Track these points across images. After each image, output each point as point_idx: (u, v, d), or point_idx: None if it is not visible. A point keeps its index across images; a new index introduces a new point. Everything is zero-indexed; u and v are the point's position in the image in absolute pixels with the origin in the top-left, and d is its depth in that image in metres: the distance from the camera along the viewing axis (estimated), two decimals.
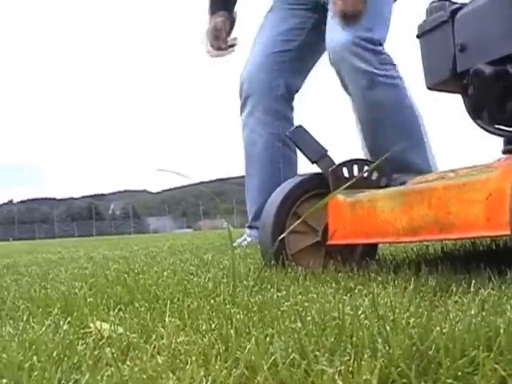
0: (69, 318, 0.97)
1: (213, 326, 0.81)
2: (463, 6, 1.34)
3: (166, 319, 0.90)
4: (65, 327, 0.90)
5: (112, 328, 0.85)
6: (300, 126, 1.54)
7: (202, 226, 62.54)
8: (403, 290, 0.98)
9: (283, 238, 1.45)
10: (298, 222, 1.44)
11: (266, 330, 0.75)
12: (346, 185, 1.37)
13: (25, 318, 1.02)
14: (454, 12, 1.34)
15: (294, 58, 2.73)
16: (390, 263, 1.32)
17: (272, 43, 2.74)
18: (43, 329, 0.90)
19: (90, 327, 0.91)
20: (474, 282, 0.96)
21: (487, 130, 1.36)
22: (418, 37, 1.45)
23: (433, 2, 1.44)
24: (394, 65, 2.32)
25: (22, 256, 4.09)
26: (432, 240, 1.52)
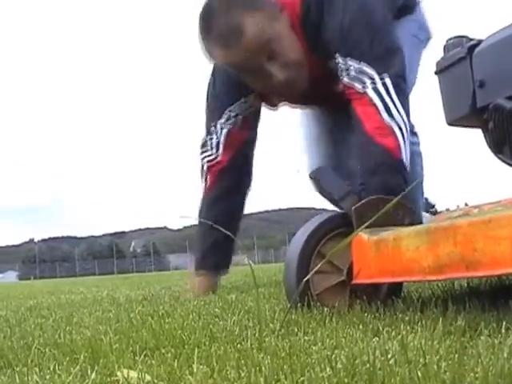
0: (96, 366, 0.97)
1: (242, 373, 0.81)
2: (480, 42, 1.34)
3: (194, 366, 0.89)
4: (92, 376, 0.89)
5: (139, 376, 0.85)
6: (323, 166, 1.54)
7: None
8: (432, 331, 0.97)
9: (308, 278, 1.45)
10: (322, 262, 1.43)
11: (296, 378, 0.74)
12: (367, 223, 1.36)
13: (51, 366, 1.01)
14: (472, 48, 1.35)
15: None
16: (417, 301, 1.31)
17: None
18: (70, 377, 0.89)
19: (117, 375, 0.90)
20: (503, 321, 0.95)
21: (509, 164, 1.36)
22: (436, 73, 1.45)
23: (450, 39, 1.44)
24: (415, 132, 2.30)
25: (45, 297, 4.09)
26: (458, 278, 1.51)
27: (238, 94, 2.51)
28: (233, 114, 2.56)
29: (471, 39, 1.37)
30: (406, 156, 1.74)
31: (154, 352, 1.07)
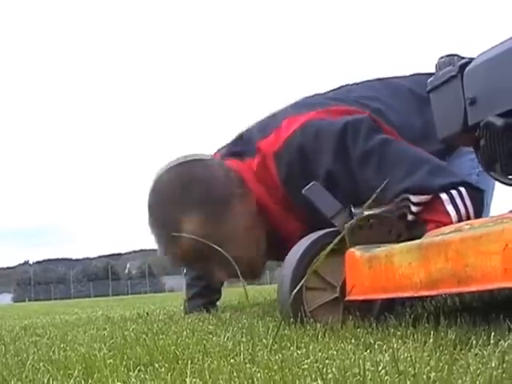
0: (90, 381, 0.98)
1: None
2: (471, 60, 1.36)
3: (187, 380, 0.90)
4: None
5: None
6: (315, 183, 1.55)
7: None
8: (423, 344, 0.98)
9: (301, 294, 1.46)
10: (309, 273, 1.45)
11: None
12: (337, 237, 1.38)
13: (45, 381, 1.02)
14: (463, 66, 1.36)
15: None
16: (409, 317, 1.31)
17: None
18: None
19: None
20: (493, 333, 0.96)
21: (500, 181, 1.37)
22: (428, 92, 1.46)
23: (442, 58, 1.46)
24: None
25: (40, 317, 4.08)
26: (450, 293, 1.51)
27: None
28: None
29: (462, 57, 1.39)
30: None
31: (147, 367, 1.07)
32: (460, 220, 1.65)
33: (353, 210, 1.54)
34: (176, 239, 1.95)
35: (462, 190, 1.69)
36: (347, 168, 1.82)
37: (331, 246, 1.40)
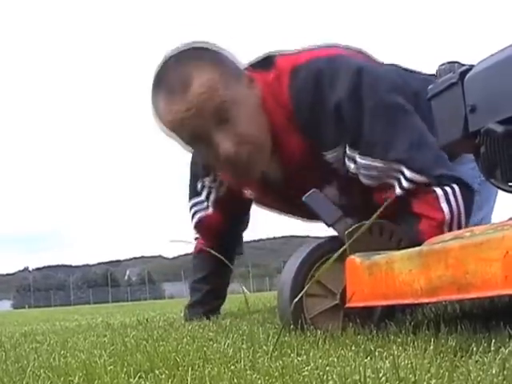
0: None
1: None
2: (472, 67, 1.36)
3: None
4: None
5: None
6: (315, 191, 1.55)
7: None
8: (423, 351, 0.98)
9: (302, 301, 1.46)
10: (311, 282, 1.45)
11: None
12: (352, 239, 1.38)
13: None
14: (463, 73, 1.36)
15: None
16: (409, 324, 1.32)
17: None
18: None
19: None
20: (494, 340, 0.96)
21: (501, 188, 1.37)
22: (429, 99, 1.46)
23: (442, 65, 1.46)
24: None
25: (39, 324, 4.08)
26: (451, 300, 1.52)
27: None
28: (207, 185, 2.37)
29: (463, 64, 1.39)
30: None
31: (148, 374, 1.07)
32: (452, 218, 1.69)
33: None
34: (186, 88, 1.79)
35: (456, 187, 1.71)
36: (357, 110, 1.80)
37: (334, 257, 1.39)
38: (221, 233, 2.48)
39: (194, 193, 2.47)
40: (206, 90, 1.79)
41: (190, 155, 2.42)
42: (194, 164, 2.44)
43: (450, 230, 1.69)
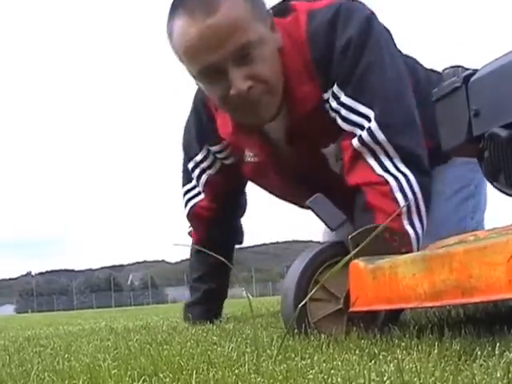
0: None
1: None
2: (476, 71, 1.36)
3: None
4: None
5: None
6: (319, 195, 1.55)
7: None
8: (428, 355, 0.98)
9: (305, 306, 1.46)
10: (317, 287, 1.45)
11: None
12: (359, 247, 1.38)
13: None
14: (467, 78, 1.36)
15: None
16: (413, 328, 1.31)
17: None
18: None
19: None
20: (498, 344, 0.96)
21: (505, 193, 1.37)
22: (433, 103, 1.46)
23: (446, 69, 1.46)
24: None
25: (43, 328, 4.09)
26: (454, 304, 1.52)
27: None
28: (212, 151, 2.25)
29: (467, 69, 1.39)
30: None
31: (152, 377, 1.07)
32: (409, 207, 1.68)
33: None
34: (213, 10, 1.67)
35: (410, 175, 1.69)
36: (359, 53, 1.78)
37: (342, 263, 1.39)
38: (215, 222, 2.40)
39: (186, 178, 2.41)
40: (233, 23, 1.68)
41: (182, 135, 2.38)
42: (186, 141, 2.36)
43: (410, 219, 1.69)
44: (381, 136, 1.69)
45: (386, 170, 1.69)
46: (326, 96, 1.83)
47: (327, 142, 1.92)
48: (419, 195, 1.69)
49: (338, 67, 1.78)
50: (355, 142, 1.73)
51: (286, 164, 2.04)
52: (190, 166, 2.34)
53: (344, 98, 1.77)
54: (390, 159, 1.70)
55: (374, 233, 1.42)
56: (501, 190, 1.37)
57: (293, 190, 2.19)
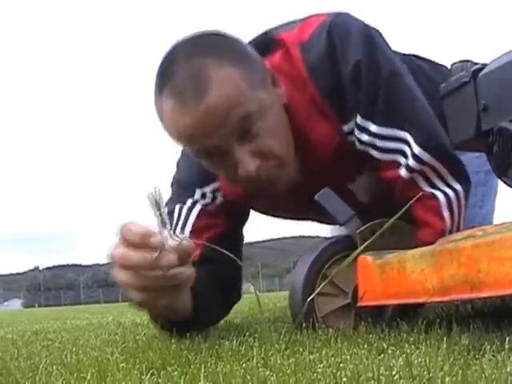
0: (103, 383, 0.98)
1: None
2: (484, 66, 1.36)
3: (201, 383, 0.90)
4: None
5: None
6: (327, 189, 1.54)
7: None
8: (436, 350, 0.98)
9: (313, 300, 1.46)
10: (325, 282, 1.45)
11: None
12: (367, 242, 1.38)
13: None
14: (476, 72, 1.36)
15: None
16: (421, 323, 1.31)
17: None
18: None
19: None
20: (507, 339, 0.96)
21: None
22: (441, 98, 1.46)
23: (454, 63, 1.46)
24: None
25: (50, 322, 4.10)
26: (463, 299, 1.51)
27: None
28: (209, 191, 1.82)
29: (475, 63, 1.39)
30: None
31: (160, 371, 1.07)
32: (452, 225, 1.61)
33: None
34: (204, 91, 1.43)
35: (460, 189, 1.61)
36: (374, 77, 1.60)
37: (351, 258, 1.38)
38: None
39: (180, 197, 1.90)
40: (228, 99, 1.45)
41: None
42: (184, 170, 1.92)
43: (447, 234, 1.61)
44: (426, 156, 1.58)
45: (435, 187, 1.61)
46: (346, 128, 1.64)
47: (352, 175, 1.79)
48: (463, 212, 1.63)
49: (355, 96, 1.60)
50: (404, 172, 1.60)
51: (305, 196, 1.76)
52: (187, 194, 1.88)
53: (375, 128, 1.59)
54: (441, 177, 1.61)
55: (383, 228, 1.41)
56: (510, 185, 1.37)
57: (307, 211, 2.01)
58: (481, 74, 1.34)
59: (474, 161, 1.89)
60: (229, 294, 1.86)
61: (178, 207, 1.82)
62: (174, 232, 1.64)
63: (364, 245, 1.39)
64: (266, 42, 1.68)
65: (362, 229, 1.50)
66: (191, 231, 1.78)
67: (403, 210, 1.38)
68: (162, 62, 1.52)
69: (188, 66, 1.45)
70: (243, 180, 1.56)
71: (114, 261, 1.41)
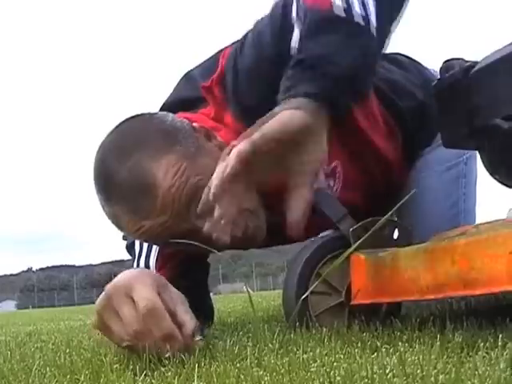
0: None
1: None
2: (476, 63, 1.36)
3: (194, 383, 0.90)
4: None
5: None
6: (320, 188, 1.54)
7: (222, 289, 62.18)
8: (430, 348, 0.98)
9: (306, 299, 1.46)
10: (319, 281, 1.44)
11: None
12: (360, 240, 1.38)
13: None
14: (468, 70, 1.36)
15: None
16: (415, 321, 1.31)
17: None
18: None
19: None
20: (500, 336, 0.96)
21: (505, 185, 1.37)
22: (433, 95, 1.46)
23: (446, 61, 1.46)
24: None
25: (44, 323, 4.09)
26: (456, 296, 1.52)
27: None
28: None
29: (467, 61, 1.39)
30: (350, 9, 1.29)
31: (154, 372, 1.07)
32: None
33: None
34: (153, 193, 1.35)
35: None
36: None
37: (344, 256, 1.37)
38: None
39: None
40: (177, 184, 1.36)
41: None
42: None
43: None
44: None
45: None
46: None
47: None
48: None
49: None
50: None
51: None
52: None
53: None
54: None
55: (376, 226, 1.41)
56: (501, 182, 1.38)
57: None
58: (473, 71, 1.34)
59: (452, 152, 1.83)
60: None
61: (138, 241, 1.76)
62: (138, 263, 1.71)
63: (357, 243, 1.38)
64: (195, 95, 1.62)
65: (354, 227, 1.50)
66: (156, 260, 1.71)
67: (395, 207, 1.37)
68: (96, 170, 1.44)
69: (125, 170, 1.36)
70: (223, 247, 1.45)
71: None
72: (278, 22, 1.45)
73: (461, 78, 1.36)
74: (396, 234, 1.51)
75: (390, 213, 1.39)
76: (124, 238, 1.85)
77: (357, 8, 1.30)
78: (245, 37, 1.56)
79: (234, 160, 1.23)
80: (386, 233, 1.50)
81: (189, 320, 1.23)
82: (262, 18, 1.54)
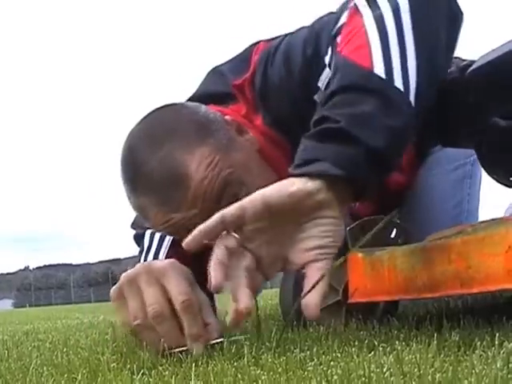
0: None
1: None
2: (473, 62, 1.36)
3: (192, 382, 0.90)
4: None
5: None
6: None
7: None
8: (427, 346, 0.98)
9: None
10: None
11: None
12: (360, 242, 1.38)
13: None
14: (464, 68, 1.36)
15: None
16: (412, 319, 1.32)
17: None
18: None
19: None
20: (497, 335, 0.96)
21: (504, 184, 1.37)
22: None
23: None
24: None
25: (41, 322, 4.09)
26: (453, 295, 1.52)
27: None
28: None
29: (464, 60, 1.39)
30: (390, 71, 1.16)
31: (151, 371, 1.07)
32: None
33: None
34: (185, 184, 1.31)
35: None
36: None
37: (342, 258, 1.37)
38: None
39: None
40: (210, 177, 1.33)
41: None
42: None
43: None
44: None
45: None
46: None
47: None
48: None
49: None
50: None
51: None
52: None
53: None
54: None
55: (376, 228, 1.41)
56: (499, 181, 1.38)
57: None
58: (470, 69, 1.34)
59: (460, 151, 1.82)
60: None
61: (148, 233, 1.70)
62: (146, 258, 1.65)
63: (357, 244, 1.38)
64: (225, 91, 1.59)
65: (351, 226, 1.50)
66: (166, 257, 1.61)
67: (395, 209, 1.38)
68: (123, 157, 1.41)
69: (157, 160, 1.33)
70: None
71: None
72: (310, 49, 1.43)
73: (458, 77, 1.36)
74: (394, 233, 1.51)
75: (390, 213, 1.39)
76: (132, 226, 1.82)
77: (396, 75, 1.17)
78: (280, 42, 1.53)
79: (215, 221, 1.12)
80: (384, 232, 1.50)
81: (214, 323, 1.25)
82: (300, 29, 1.53)
